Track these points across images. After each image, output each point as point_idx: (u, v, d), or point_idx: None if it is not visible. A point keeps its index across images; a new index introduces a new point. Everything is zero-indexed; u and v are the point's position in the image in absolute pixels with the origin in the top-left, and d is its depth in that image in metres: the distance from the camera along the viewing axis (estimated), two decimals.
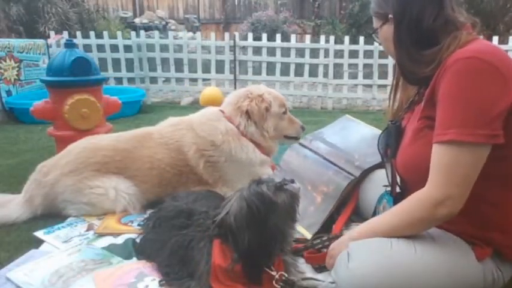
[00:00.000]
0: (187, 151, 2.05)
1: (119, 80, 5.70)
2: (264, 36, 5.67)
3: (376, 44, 5.35)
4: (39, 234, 1.76)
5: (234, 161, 2.06)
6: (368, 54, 5.47)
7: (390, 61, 5.22)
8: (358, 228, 1.26)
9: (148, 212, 1.79)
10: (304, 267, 1.41)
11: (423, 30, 1.16)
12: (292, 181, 1.27)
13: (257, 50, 5.71)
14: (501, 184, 1.13)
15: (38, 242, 1.71)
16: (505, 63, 1.05)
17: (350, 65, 5.55)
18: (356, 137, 1.89)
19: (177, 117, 2.22)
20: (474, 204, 1.08)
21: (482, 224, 1.15)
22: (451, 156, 1.04)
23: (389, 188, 1.36)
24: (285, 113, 2.19)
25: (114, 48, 5.59)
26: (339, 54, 5.59)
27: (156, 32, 5.99)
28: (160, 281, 1.37)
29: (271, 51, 5.68)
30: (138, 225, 1.77)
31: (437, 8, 1.15)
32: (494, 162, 1.06)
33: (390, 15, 1.22)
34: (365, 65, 5.52)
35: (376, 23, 1.30)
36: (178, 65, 5.72)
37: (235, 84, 5.70)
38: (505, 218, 1.15)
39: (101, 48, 5.55)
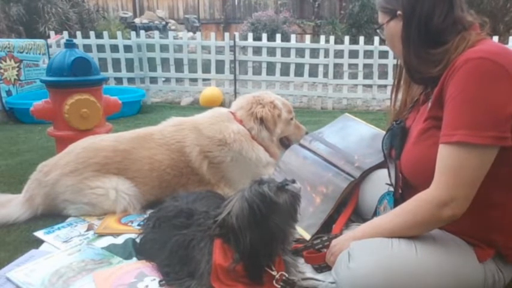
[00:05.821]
0: (189, 152, 2.04)
1: (119, 80, 5.69)
2: (264, 36, 5.66)
3: (376, 44, 5.39)
4: (39, 234, 1.76)
5: (241, 161, 2.07)
6: (368, 54, 5.46)
7: (390, 61, 5.22)
8: (361, 228, 1.26)
9: (148, 212, 1.79)
10: (304, 267, 1.41)
11: (432, 28, 1.15)
12: (294, 181, 1.28)
13: (257, 50, 5.70)
14: (505, 186, 1.13)
15: (38, 242, 1.71)
16: None
17: (350, 65, 5.54)
18: (356, 137, 1.88)
19: (179, 118, 2.22)
20: (477, 205, 1.07)
21: (484, 225, 1.15)
22: (458, 158, 1.04)
23: (391, 188, 1.35)
24: (292, 119, 2.27)
25: (114, 48, 5.58)
26: (339, 54, 5.58)
27: (156, 32, 5.98)
28: (160, 281, 1.37)
29: (271, 51, 5.67)
30: (138, 225, 1.77)
31: (447, 6, 1.15)
32: (499, 164, 1.05)
33: (399, 12, 1.20)
34: (365, 65, 5.51)
35: (382, 19, 1.28)
36: (178, 65, 5.71)
37: (235, 84, 5.70)
38: (508, 220, 1.14)
39: (101, 48, 5.54)
